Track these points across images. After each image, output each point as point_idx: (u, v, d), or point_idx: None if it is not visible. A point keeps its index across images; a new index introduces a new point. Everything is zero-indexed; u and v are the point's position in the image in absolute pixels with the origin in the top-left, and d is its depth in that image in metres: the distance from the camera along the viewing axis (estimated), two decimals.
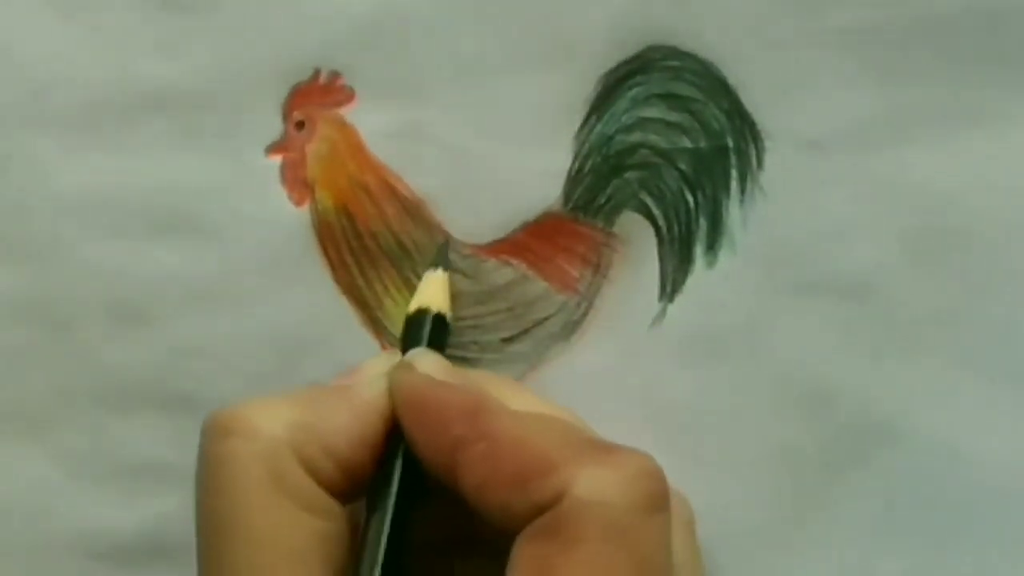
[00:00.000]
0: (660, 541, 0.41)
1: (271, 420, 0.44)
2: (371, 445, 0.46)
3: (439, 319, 0.48)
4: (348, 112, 0.57)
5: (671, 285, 0.58)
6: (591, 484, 0.41)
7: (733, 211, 0.58)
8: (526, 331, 0.58)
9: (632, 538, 0.41)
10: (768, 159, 0.58)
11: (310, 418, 0.45)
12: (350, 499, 0.47)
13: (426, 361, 0.47)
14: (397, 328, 0.57)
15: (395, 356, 0.48)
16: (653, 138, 0.58)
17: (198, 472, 0.46)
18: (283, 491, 0.44)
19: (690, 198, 0.58)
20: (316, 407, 0.45)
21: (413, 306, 0.48)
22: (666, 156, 0.58)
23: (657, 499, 0.42)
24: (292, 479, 0.44)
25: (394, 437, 0.46)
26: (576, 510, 0.41)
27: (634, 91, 0.57)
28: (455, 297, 0.57)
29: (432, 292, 0.48)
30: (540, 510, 0.41)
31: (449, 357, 0.57)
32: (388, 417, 0.46)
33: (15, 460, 0.57)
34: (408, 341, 0.48)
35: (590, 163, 0.57)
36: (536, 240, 0.57)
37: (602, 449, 0.43)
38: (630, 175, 0.58)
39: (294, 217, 0.57)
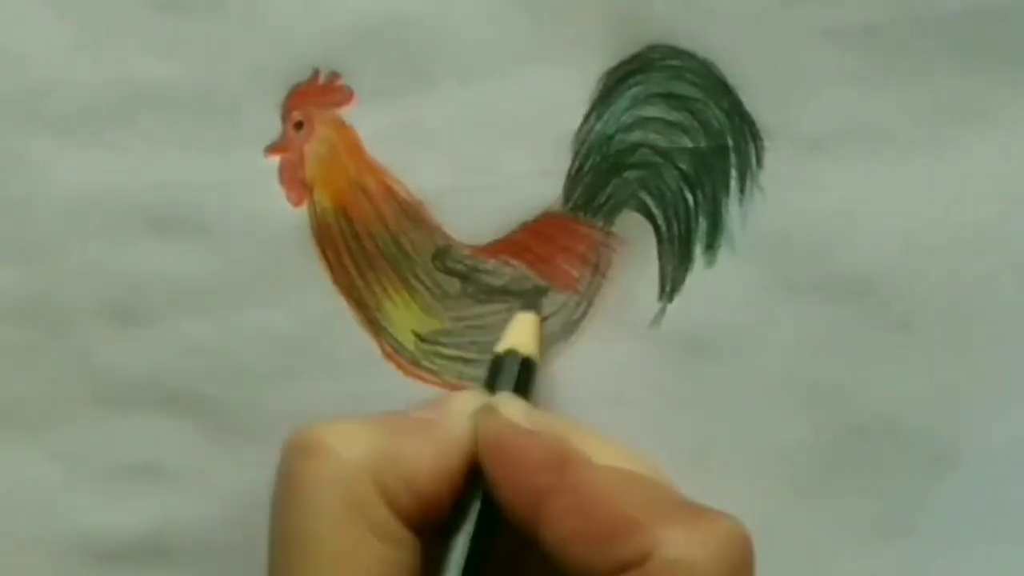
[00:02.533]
0: None
1: (353, 445, 0.44)
2: (451, 481, 0.45)
3: (527, 363, 0.47)
4: (347, 113, 0.57)
5: (670, 284, 0.58)
6: (678, 547, 0.41)
7: (733, 210, 0.58)
8: None
9: None
10: (768, 158, 0.57)
11: (392, 447, 0.44)
12: (423, 531, 0.46)
13: (513, 407, 0.47)
14: (395, 329, 0.57)
15: (481, 394, 0.48)
16: (653, 137, 0.58)
17: (276, 489, 0.46)
18: (359, 517, 0.43)
19: (689, 197, 0.58)
20: (399, 437, 0.45)
21: (503, 346, 0.48)
22: (666, 155, 0.58)
23: (744, 567, 0.42)
24: (369, 506, 0.44)
25: (475, 478, 0.46)
26: (662, 572, 0.40)
27: (634, 90, 0.57)
28: (458, 299, 0.57)
29: (523, 334, 0.48)
30: (623, 569, 0.41)
31: (450, 357, 0.57)
32: (470, 456, 0.46)
33: (14, 460, 0.57)
34: (495, 381, 0.48)
35: (590, 162, 0.57)
36: (535, 240, 0.57)
37: (690, 511, 0.42)
38: (630, 174, 0.58)
39: (292, 218, 0.57)
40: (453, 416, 0.46)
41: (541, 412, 0.49)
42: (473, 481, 0.46)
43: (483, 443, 0.45)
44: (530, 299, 0.56)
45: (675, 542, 0.41)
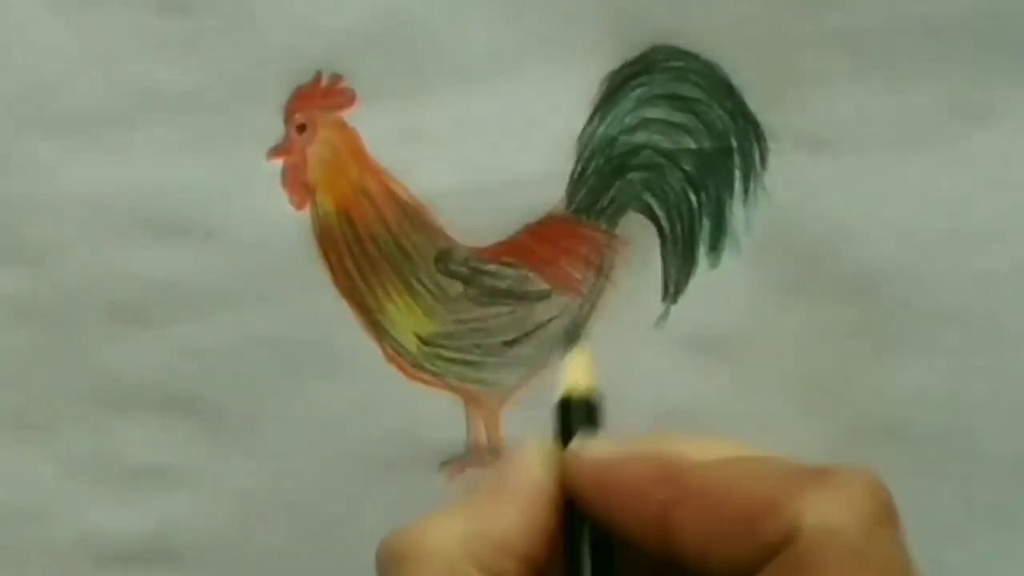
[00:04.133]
0: (900, 552, 0.40)
1: (442, 537, 0.43)
2: (545, 533, 0.44)
3: (589, 403, 0.47)
4: (349, 115, 0.57)
5: (674, 286, 0.58)
6: (820, 512, 0.39)
7: (736, 211, 0.58)
8: (528, 334, 0.58)
9: (874, 556, 0.39)
10: (771, 160, 0.57)
11: (479, 524, 0.44)
12: None
13: (596, 444, 0.46)
14: (398, 331, 0.57)
15: (544, 439, 0.47)
16: (657, 139, 0.57)
17: None
18: None
19: (693, 199, 0.58)
20: (481, 511, 0.44)
21: (561, 391, 0.47)
22: (670, 157, 0.57)
23: (887, 511, 0.41)
24: None
25: (573, 527, 0.45)
26: (813, 542, 0.39)
27: (638, 92, 0.57)
28: (460, 302, 0.57)
29: (579, 374, 0.47)
30: (774, 551, 0.40)
31: (452, 360, 0.57)
32: (555, 501, 0.45)
33: (17, 462, 0.58)
34: (563, 427, 0.47)
35: (593, 164, 0.57)
36: (538, 242, 0.57)
37: (820, 475, 0.41)
38: (633, 176, 0.58)
39: (295, 220, 0.57)
40: (525, 469, 0.45)
41: (624, 439, 0.48)
42: (575, 532, 0.45)
43: (580, 485, 0.44)
44: (571, 335, 0.55)
45: (817, 509, 0.39)
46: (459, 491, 0.45)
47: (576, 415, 0.46)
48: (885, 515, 0.41)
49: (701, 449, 0.44)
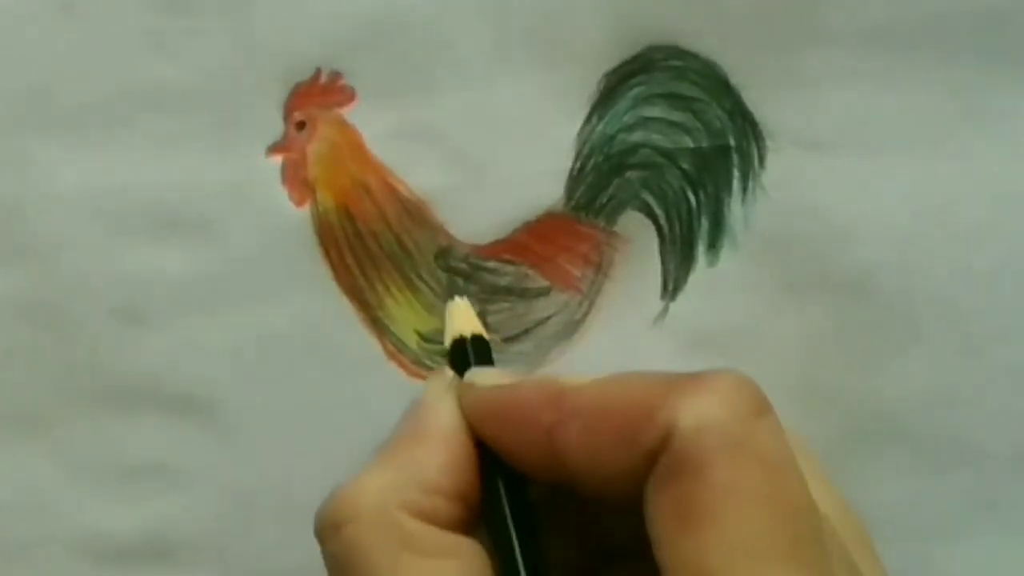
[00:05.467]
0: (777, 439, 0.41)
1: (369, 493, 0.43)
2: (468, 466, 0.45)
3: (479, 341, 0.47)
4: (349, 112, 0.57)
5: (673, 284, 0.58)
6: (693, 411, 0.40)
7: (735, 210, 0.58)
8: (528, 331, 0.58)
9: (752, 444, 0.40)
10: (770, 158, 0.57)
11: (403, 470, 0.44)
12: (475, 525, 0.46)
13: (486, 374, 0.47)
14: (399, 328, 0.57)
15: (446, 376, 0.47)
16: (655, 137, 0.58)
17: (330, 572, 0.45)
18: (412, 549, 0.43)
19: (692, 197, 0.58)
20: (403, 457, 0.45)
21: (448, 339, 0.47)
22: (668, 155, 0.58)
23: (758, 403, 0.41)
24: (414, 533, 0.43)
25: (484, 456, 0.45)
26: (689, 440, 0.40)
27: (636, 90, 0.57)
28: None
29: (462, 320, 0.48)
30: (655, 455, 0.41)
31: None
32: (471, 435, 0.45)
33: (16, 460, 0.57)
34: (460, 366, 0.47)
35: (592, 163, 0.57)
36: (537, 240, 0.57)
37: (690, 378, 0.42)
38: (632, 174, 0.58)
39: (295, 217, 0.57)
40: (436, 406, 0.46)
41: (516, 372, 0.48)
42: (488, 461, 0.45)
43: (475, 416, 0.45)
44: (451, 288, 0.56)
45: (689, 410, 0.40)
46: (377, 443, 0.45)
47: (471, 356, 0.47)
48: (757, 406, 0.41)
49: (580, 379, 0.44)
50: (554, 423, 0.43)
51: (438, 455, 0.44)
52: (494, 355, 0.57)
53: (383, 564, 0.43)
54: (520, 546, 0.44)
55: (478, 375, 0.47)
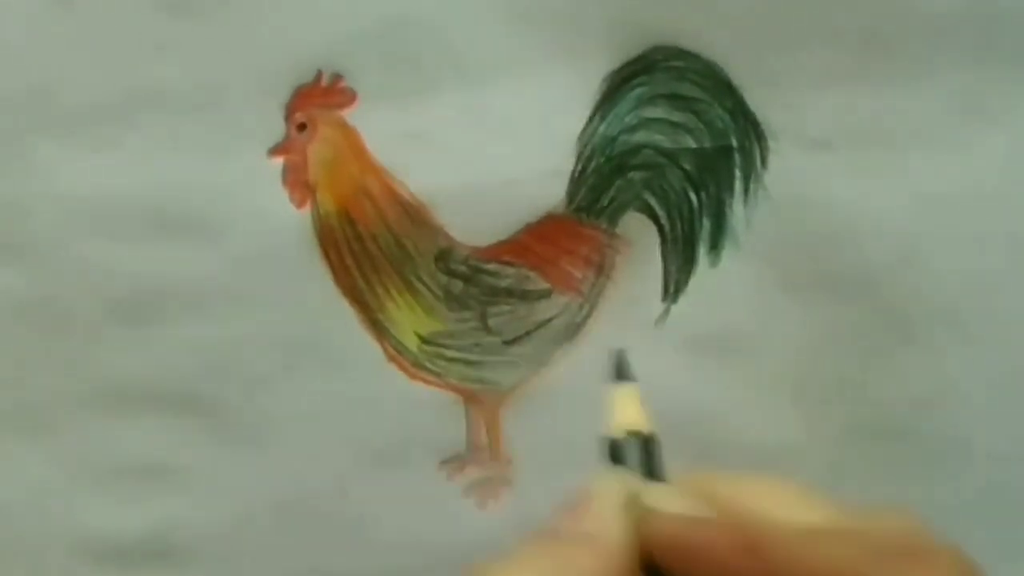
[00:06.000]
0: None
1: None
2: None
3: (650, 442, 0.45)
4: (350, 114, 0.57)
5: (674, 285, 0.58)
6: None
7: (737, 210, 0.58)
8: (529, 333, 0.58)
9: None
10: (771, 159, 0.57)
11: (554, 570, 0.43)
12: None
13: (665, 499, 0.44)
14: (399, 330, 0.57)
15: (618, 482, 0.45)
16: (657, 138, 0.57)
17: None
18: None
19: (694, 198, 0.58)
20: (558, 556, 0.43)
21: (619, 428, 0.45)
22: (670, 156, 0.58)
23: None
24: None
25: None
26: None
27: (638, 91, 0.57)
28: (459, 300, 0.57)
29: (630, 411, 0.45)
30: None
31: (453, 359, 0.57)
32: (635, 555, 0.43)
33: (16, 461, 0.57)
34: (645, 469, 0.45)
35: (593, 164, 0.57)
36: (538, 242, 0.57)
37: (906, 552, 0.40)
38: (634, 175, 0.58)
39: (295, 219, 0.57)
40: (603, 516, 0.44)
41: (693, 498, 0.46)
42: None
43: (657, 544, 0.43)
44: (619, 368, 0.52)
45: None
46: (537, 535, 0.43)
47: (633, 455, 0.44)
48: None
49: (775, 503, 0.42)
50: (751, 572, 0.41)
51: (595, 566, 0.43)
52: (495, 359, 0.57)
53: None
54: None
55: (661, 499, 0.44)
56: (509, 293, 0.57)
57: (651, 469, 0.43)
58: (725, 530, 0.41)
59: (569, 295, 0.58)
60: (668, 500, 0.43)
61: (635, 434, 0.44)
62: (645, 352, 0.57)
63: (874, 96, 0.57)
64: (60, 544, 0.58)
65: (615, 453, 0.43)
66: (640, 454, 0.43)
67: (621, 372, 0.45)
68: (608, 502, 0.43)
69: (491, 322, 0.57)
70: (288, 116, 0.57)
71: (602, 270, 0.58)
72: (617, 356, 0.45)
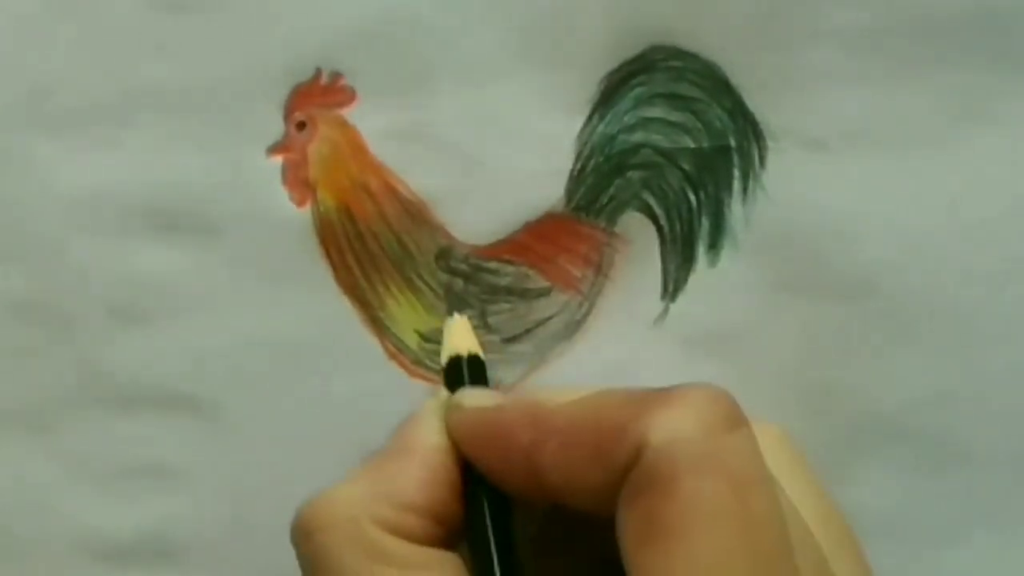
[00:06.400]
0: (749, 453, 0.41)
1: (344, 503, 0.44)
2: (447, 485, 0.45)
3: (475, 360, 0.48)
4: (349, 112, 0.57)
5: (673, 284, 0.58)
6: (664, 426, 0.40)
7: (735, 210, 0.58)
8: (528, 331, 0.58)
9: (721, 459, 0.40)
10: (770, 159, 0.57)
11: (379, 485, 0.45)
12: (453, 542, 0.46)
13: (474, 395, 0.47)
14: (399, 328, 0.57)
15: (438, 400, 0.48)
16: (655, 138, 0.58)
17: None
18: (382, 561, 0.43)
19: (692, 197, 0.58)
20: (380, 472, 0.45)
21: (444, 356, 0.48)
22: (668, 156, 0.58)
23: (731, 417, 0.41)
24: (384, 546, 0.44)
25: (468, 479, 0.46)
26: (659, 456, 0.40)
27: (636, 91, 0.57)
28: (458, 297, 0.57)
29: (459, 338, 0.48)
30: (627, 471, 0.41)
31: None
32: (454, 455, 0.46)
33: (15, 460, 0.57)
34: (451, 387, 0.48)
35: (592, 163, 0.57)
36: (538, 240, 0.57)
37: (661, 393, 0.42)
38: (632, 175, 0.58)
39: (295, 218, 0.57)
40: (421, 425, 0.47)
41: (503, 393, 0.49)
42: (472, 482, 0.46)
43: (459, 438, 0.46)
44: (450, 304, 0.56)
45: (660, 424, 0.40)
46: (377, 443, 0.45)
47: (465, 375, 0.47)
48: (729, 420, 0.41)
49: (567, 394, 0.44)
50: (533, 443, 0.43)
51: (415, 472, 0.45)
52: (495, 357, 0.57)
53: (350, 573, 0.43)
54: (501, 566, 0.44)
55: (466, 396, 0.47)
56: (509, 291, 0.57)
57: (481, 385, 0.46)
58: (514, 410, 0.43)
59: (568, 294, 0.58)
60: (474, 397, 0.45)
61: (466, 357, 0.48)
62: (644, 351, 0.58)
63: (874, 96, 0.57)
64: (60, 543, 0.58)
65: (450, 377, 0.46)
66: (472, 375, 0.46)
67: (452, 307, 0.54)
68: (426, 414, 0.46)
69: (491, 320, 0.57)
70: (287, 115, 0.57)
71: (601, 269, 0.58)
72: (448, 294, 0.54)
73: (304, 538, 0.45)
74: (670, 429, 0.40)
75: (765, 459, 0.41)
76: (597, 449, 0.42)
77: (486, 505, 0.45)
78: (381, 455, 0.46)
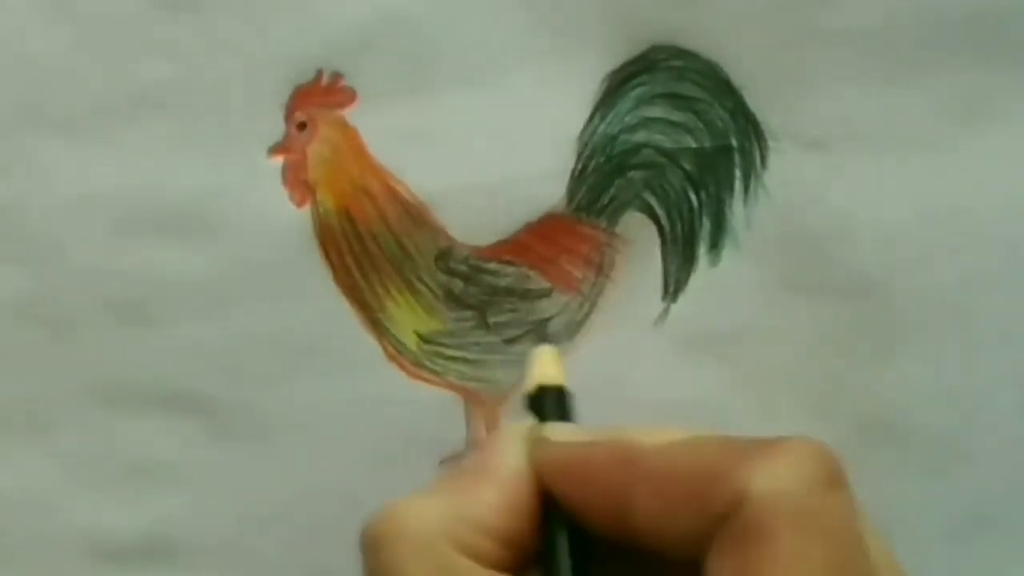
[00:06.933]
0: (848, 515, 0.41)
1: (421, 517, 0.44)
2: (524, 513, 0.45)
3: (560, 393, 0.48)
4: (350, 113, 0.57)
5: (674, 284, 0.58)
6: (766, 478, 0.40)
7: (737, 210, 0.58)
8: (529, 332, 0.58)
9: (822, 519, 0.40)
10: (772, 159, 0.57)
11: (457, 504, 0.44)
12: (522, 570, 0.46)
13: (562, 430, 0.47)
14: (399, 329, 0.57)
15: (525, 424, 0.48)
16: (657, 138, 0.57)
17: None
18: None
19: (694, 198, 0.58)
20: (460, 491, 0.45)
21: (531, 386, 0.48)
22: (670, 156, 0.58)
23: (834, 475, 0.41)
24: (455, 567, 0.43)
25: (549, 511, 0.46)
26: (759, 508, 0.40)
27: (638, 91, 0.57)
28: (458, 299, 0.57)
29: (546, 368, 0.48)
30: (722, 520, 0.41)
31: (452, 358, 0.57)
32: (533, 484, 0.46)
33: (16, 460, 0.57)
34: (537, 417, 0.48)
35: (593, 163, 0.57)
36: (539, 241, 0.57)
37: (764, 444, 0.42)
38: (634, 175, 0.58)
39: (295, 218, 0.57)
40: (504, 451, 0.46)
41: (591, 428, 0.48)
42: (552, 517, 0.45)
43: (547, 471, 0.45)
44: (540, 333, 0.56)
45: (762, 476, 0.40)
46: (440, 473, 0.45)
47: (549, 406, 0.47)
48: (832, 478, 0.41)
49: (657, 435, 0.44)
50: (627, 483, 0.43)
51: (494, 496, 0.45)
52: (496, 357, 0.57)
53: None
54: None
55: (554, 430, 0.47)
56: (509, 292, 0.57)
57: (564, 418, 0.46)
58: (605, 449, 0.43)
59: (569, 294, 0.58)
60: (562, 432, 0.45)
61: (551, 388, 0.47)
62: (644, 351, 0.58)
63: (874, 96, 0.57)
64: (60, 543, 0.58)
65: (533, 406, 0.46)
66: (555, 406, 0.46)
67: (542, 337, 0.54)
68: (509, 439, 0.46)
69: (491, 321, 0.57)
70: (288, 115, 0.57)
71: (602, 270, 0.58)
72: (539, 328, 0.54)
73: (374, 548, 0.44)
74: (772, 482, 0.40)
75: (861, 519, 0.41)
76: (694, 495, 0.41)
77: (565, 540, 0.45)
78: (460, 473, 0.46)
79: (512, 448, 0.46)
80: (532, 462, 0.45)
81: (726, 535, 0.40)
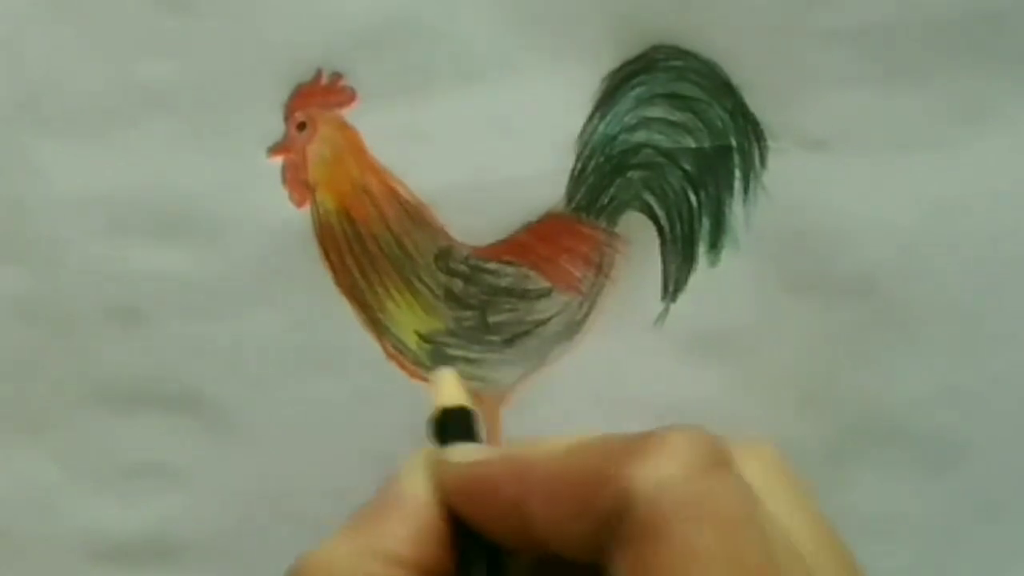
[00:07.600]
0: (735, 495, 0.40)
1: (333, 562, 0.44)
2: (435, 539, 0.45)
3: (463, 413, 0.48)
4: (349, 113, 0.57)
5: (674, 284, 0.58)
6: (646, 474, 0.40)
7: (736, 210, 0.58)
8: (528, 332, 0.58)
9: (708, 503, 0.40)
10: (771, 159, 0.57)
11: (366, 540, 0.45)
12: None
13: (462, 452, 0.47)
14: (398, 329, 0.57)
15: (425, 450, 0.48)
16: (657, 138, 0.58)
17: None
18: None
19: (693, 197, 0.58)
20: (368, 527, 0.45)
21: (435, 410, 0.48)
22: (669, 156, 0.58)
23: (713, 456, 0.41)
24: None
25: (460, 532, 0.46)
26: (645, 504, 0.40)
27: (638, 91, 0.57)
28: (458, 298, 0.57)
29: (447, 391, 0.48)
30: (611, 522, 0.41)
31: (452, 357, 0.57)
32: (441, 507, 0.46)
33: (16, 460, 0.57)
34: (441, 440, 0.48)
35: (593, 163, 0.57)
36: (538, 241, 0.57)
37: (641, 439, 0.41)
38: (633, 175, 0.58)
39: (295, 219, 0.57)
40: (407, 479, 0.46)
41: (490, 446, 0.49)
42: (462, 535, 0.46)
43: (450, 493, 0.46)
44: (437, 357, 0.56)
45: (642, 472, 0.40)
46: (349, 512, 0.45)
47: (454, 428, 0.47)
48: (712, 461, 0.41)
49: (551, 443, 0.44)
50: (518, 496, 0.43)
51: (402, 527, 0.45)
52: (495, 357, 0.57)
53: None
54: None
55: (454, 452, 0.47)
56: (509, 292, 0.57)
57: (471, 439, 0.46)
58: (500, 464, 0.44)
59: (569, 294, 0.58)
60: (462, 453, 0.45)
61: (455, 410, 0.47)
62: (644, 351, 0.58)
63: (874, 96, 0.57)
64: (60, 543, 0.58)
65: (439, 430, 0.46)
66: (460, 428, 0.46)
67: (438, 360, 0.54)
68: (412, 467, 0.46)
69: (491, 321, 0.57)
70: (288, 115, 0.57)
71: (601, 269, 0.58)
72: (435, 349, 0.54)
73: None
74: (653, 476, 0.40)
75: (756, 485, 0.41)
76: (580, 501, 0.42)
77: (481, 559, 0.45)
78: (368, 510, 0.46)
79: (415, 475, 0.46)
80: (436, 486, 0.45)
81: (622, 536, 0.40)
